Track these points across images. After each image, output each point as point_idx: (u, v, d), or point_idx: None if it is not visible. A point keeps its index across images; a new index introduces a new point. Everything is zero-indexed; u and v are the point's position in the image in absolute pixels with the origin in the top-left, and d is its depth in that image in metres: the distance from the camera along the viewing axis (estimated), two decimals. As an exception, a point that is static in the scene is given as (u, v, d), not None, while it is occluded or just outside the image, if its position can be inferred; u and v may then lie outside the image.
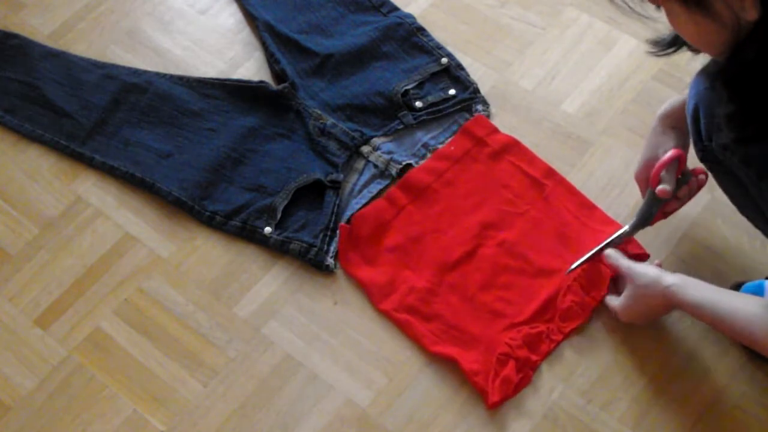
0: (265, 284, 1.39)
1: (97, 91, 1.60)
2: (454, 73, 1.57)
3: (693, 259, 1.35)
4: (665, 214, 1.30)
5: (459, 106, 1.53)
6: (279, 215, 1.43)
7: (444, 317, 1.32)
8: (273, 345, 1.33)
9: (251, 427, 1.27)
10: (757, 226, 1.21)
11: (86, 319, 1.37)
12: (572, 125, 1.51)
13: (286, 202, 1.44)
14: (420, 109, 1.53)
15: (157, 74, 1.61)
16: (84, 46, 1.68)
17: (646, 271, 1.21)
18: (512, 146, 1.47)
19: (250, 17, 1.69)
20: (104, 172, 1.52)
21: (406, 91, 1.54)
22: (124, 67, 1.63)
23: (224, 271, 1.41)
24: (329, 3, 1.68)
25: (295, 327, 1.35)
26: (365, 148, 1.50)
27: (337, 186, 1.45)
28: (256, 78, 1.61)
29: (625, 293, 1.24)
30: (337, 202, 1.43)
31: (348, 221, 1.42)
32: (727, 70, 0.96)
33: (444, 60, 1.58)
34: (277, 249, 1.41)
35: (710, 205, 1.40)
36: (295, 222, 1.43)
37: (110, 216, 1.47)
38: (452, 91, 1.55)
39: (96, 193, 1.50)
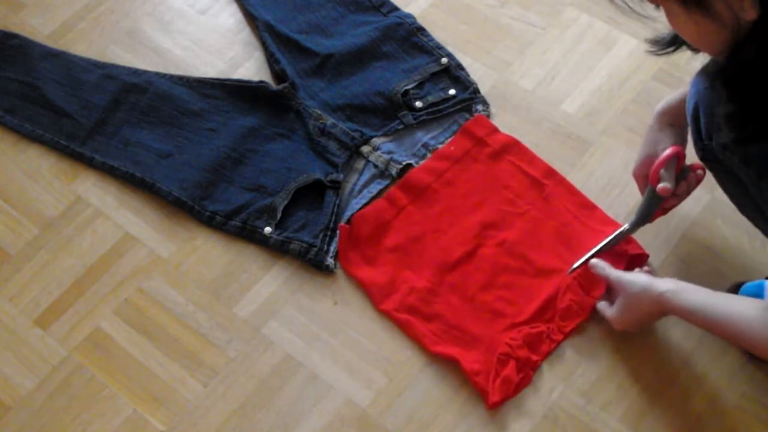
0: (265, 284, 1.39)
1: (97, 91, 1.60)
2: (454, 73, 1.57)
3: (693, 259, 1.35)
4: (665, 211, 1.30)
5: (459, 106, 1.54)
6: (279, 215, 1.43)
7: (444, 317, 1.32)
8: (273, 345, 1.33)
9: (251, 427, 1.27)
10: (757, 225, 1.21)
11: (86, 319, 1.37)
12: (572, 125, 1.51)
13: (286, 202, 1.44)
14: (420, 109, 1.53)
15: (157, 74, 1.61)
16: (84, 46, 1.68)
17: (636, 279, 1.21)
18: (512, 146, 1.47)
19: (250, 17, 1.70)
20: (104, 172, 1.52)
21: (406, 91, 1.54)
22: (124, 67, 1.63)
23: (224, 271, 1.41)
24: (329, 3, 1.69)
25: (295, 327, 1.35)
26: (365, 148, 1.50)
27: (337, 186, 1.45)
28: (256, 78, 1.61)
29: (618, 303, 1.24)
30: (337, 202, 1.43)
31: (348, 221, 1.42)
32: (727, 69, 0.96)
33: (444, 60, 1.58)
34: (277, 249, 1.41)
35: (710, 205, 1.40)
36: (295, 222, 1.43)
37: (110, 216, 1.47)
38: (452, 91, 1.55)
39: (96, 193, 1.50)
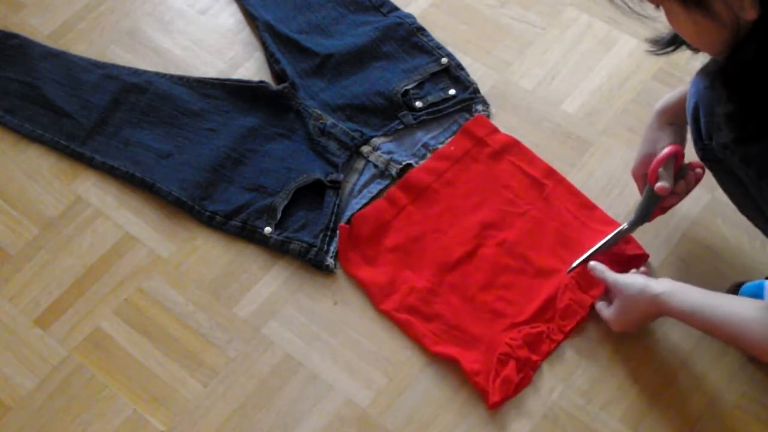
0: (265, 284, 1.39)
1: (97, 91, 1.60)
2: (454, 73, 1.57)
3: (693, 259, 1.35)
4: (663, 210, 1.30)
5: (459, 106, 1.54)
6: (279, 215, 1.43)
7: (444, 317, 1.32)
8: (273, 345, 1.33)
9: (251, 427, 1.27)
10: (757, 225, 1.21)
11: (86, 319, 1.37)
12: (572, 125, 1.51)
13: (286, 202, 1.44)
14: (420, 109, 1.53)
15: (157, 74, 1.61)
16: (84, 46, 1.68)
17: (632, 281, 1.21)
18: (512, 146, 1.47)
19: (250, 17, 1.70)
20: (104, 172, 1.52)
21: (406, 91, 1.54)
22: (124, 67, 1.63)
23: (224, 271, 1.41)
24: (329, 3, 1.69)
25: (295, 327, 1.35)
26: (365, 148, 1.50)
27: (337, 186, 1.45)
28: (256, 78, 1.61)
29: (615, 304, 1.24)
30: (337, 202, 1.43)
31: (348, 221, 1.42)
32: (727, 69, 0.96)
33: (444, 60, 1.58)
34: (277, 249, 1.41)
35: (710, 205, 1.40)
36: (295, 222, 1.43)
37: (110, 216, 1.47)
38: (452, 91, 1.55)
39: (96, 193, 1.50)
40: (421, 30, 1.62)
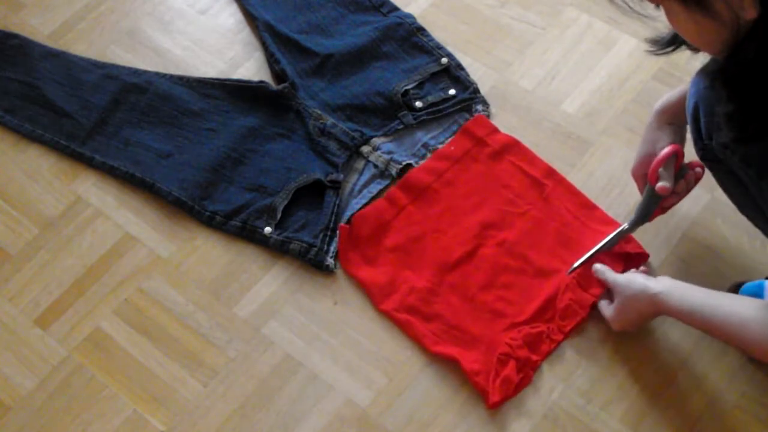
0: (265, 284, 1.39)
1: (97, 91, 1.60)
2: (454, 73, 1.57)
3: (693, 259, 1.35)
4: (664, 209, 1.30)
5: (459, 106, 1.54)
6: (279, 215, 1.43)
7: (444, 317, 1.32)
8: (273, 345, 1.33)
9: (251, 427, 1.27)
10: (757, 225, 1.21)
11: (86, 319, 1.37)
12: (572, 125, 1.51)
13: (286, 202, 1.44)
14: (420, 109, 1.53)
15: (157, 74, 1.61)
16: (84, 46, 1.68)
17: (632, 281, 1.21)
18: (512, 146, 1.47)
19: (250, 17, 1.70)
20: (104, 172, 1.52)
21: (406, 91, 1.54)
22: (124, 67, 1.63)
23: (224, 271, 1.41)
24: (329, 3, 1.69)
25: (295, 327, 1.35)
26: (365, 148, 1.50)
27: (337, 186, 1.45)
28: (256, 78, 1.61)
29: (615, 304, 1.25)
30: (337, 202, 1.43)
31: (348, 221, 1.42)
32: (727, 69, 0.96)
33: (444, 60, 1.58)
34: (277, 249, 1.41)
35: (710, 205, 1.40)
36: (295, 222, 1.43)
37: (110, 216, 1.47)
38: (452, 91, 1.55)
39: (96, 193, 1.50)
40: (421, 30, 1.62)
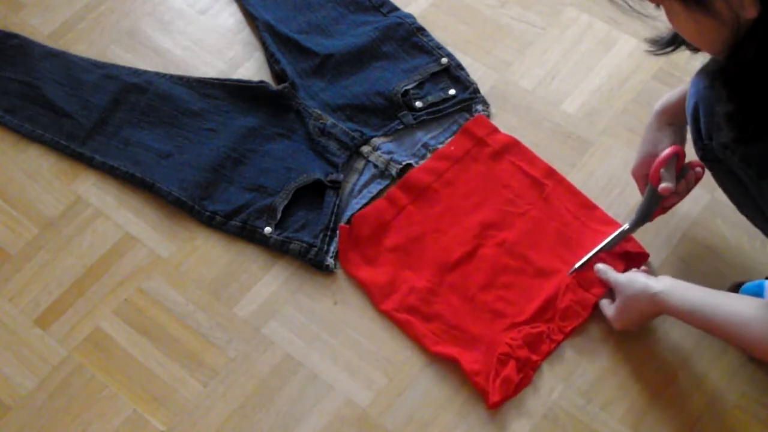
0: (265, 284, 1.39)
1: (97, 91, 1.60)
2: (454, 73, 1.57)
3: (693, 259, 1.35)
4: (665, 209, 1.30)
5: (459, 106, 1.54)
6: (279, 215, 1.43)
7: (444, 317, 1.32)
8: (273, 345, 1.33)
9: (251, 427, 1.27)
10: (756, 225, 1.21)
11: (86, 319, 1.37)
12: (572, 125, 1.51)
13: (286, 202, 1.44)
14: (420, 109, 1.53)
15: (157, 74, 1.61)
16: (84, 46, 1.68)
17: (633, 280, 1.21)
18: (512, 146, 1.47)
19: (250, 17, 1.70)
20: (104, 172, 1.52)
21: (406, 91, 1.54)
22: (124, 67, 1.63)
23: (224, 271, 1.41)
24: (329, 3, 1.69)
25: (295, 327, 1.35)
26: (365, 148, 1.50)
27: (337, 186, 1.45)
28: (256, 78, 1.61)
29: (616, 303, 1.25)
30: (337, 202, 1.43)
31: (348, 221, 1.42)
32: (727, 68, 0.96)
33: (444, 60, 1.58)
34: (277, 249, 1.41)
35: (710, 205, 1.40)
36: (295, 222, 1.43)
37: (110, 216, 1.47)
38: (452, 91, 1.55)
39: (96, 193, 1.50)
40: (421, 30, 1.62)
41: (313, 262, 1.39)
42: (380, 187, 1.47)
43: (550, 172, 1.44)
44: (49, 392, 1.32)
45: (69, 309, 1.39)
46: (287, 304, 1.37)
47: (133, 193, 1.50)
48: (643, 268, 1.30)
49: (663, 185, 1.22)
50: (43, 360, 1.34)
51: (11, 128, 1.58)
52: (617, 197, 1.42)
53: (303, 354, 1.32)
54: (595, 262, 1.32)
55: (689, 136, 1.20)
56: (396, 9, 1.66)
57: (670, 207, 1.30)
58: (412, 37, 1.61)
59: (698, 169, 1.26)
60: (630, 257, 1.33)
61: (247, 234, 1.43)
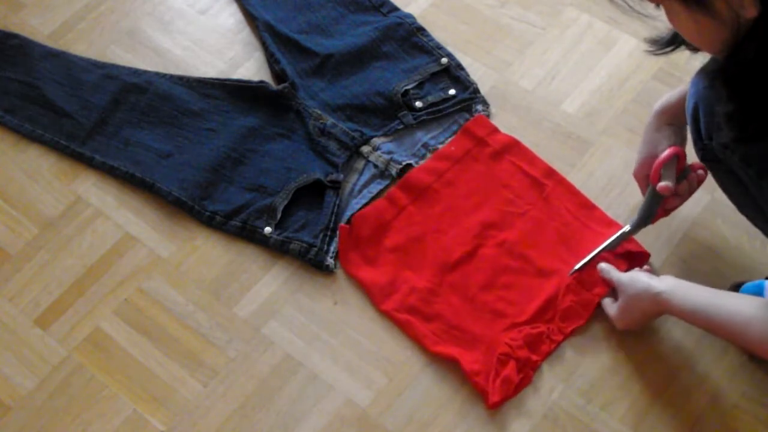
0: (265, 284, 1.39)
1: (97, 91, 1.60)
2: (454, 73, 1.57)
3: (693, 259, 1.35)
4: (666, 212, 1.30)
5: (459, 106, 1.54)
6: (279, 215, 1.43)
7: (445, 317, 1.32)
8: (273, 345, 1.33)
9: (251, 427, 1.27)
10: (756, 225, 1.20)
11: (86, 319, 1.37)
12: (572, 125, 1.51)
13: (286, 202, 1.44)
14: (420, 109, 1.53)
15: (157, 74, 1.61)
16: (84, 46, 1.68)
17: (635, 280, 1.21)
18: (513, 146, 1.47)
19: (250, 17, 1.70)
20: (104, 172, 1.52)
21: (406, 91, 1.54)
22: (124, 67, 1.63)
23: (224, 271, 1.41)
24: (329, 3, 1.69)
25: (295, 327, 1.35)
26: (365, 148, 1.50)
27: (337, 186, 1.45)
28: (256, 78, 1.61)
29: (619, 303, 1.25)
30: (337, 202, 1.43)
31: (348, 221, 1.42)
32: (727, 68, 0.96)
33: (444, 60, 1.58)
34: (277, 249, 1.41)
35: (710, 205, 1.40)
36: (295, 222, 1.43)
37: (110, 216, 1.47)
38: (452, 91, 1.55)
39: (96, 193, 1.50)
40: (421, 30, 1.62)
41: (313, 262, 1.39)
42: (380, 187, 1.47)
43: (550, 173, 1.44)
44: (49, 392, 1.32)
45: (69, 309, 1.38)
46: (287, 304, 1.37)
47: (133, 193, 1.50)
48: (645, 267, 1.30)
49: (662, 184, 1.22)
50: (43, 360, 1.34)
51: (11, 128, 1.58)
52: (617, 197, 1.42)
53: (303, 354, 1.32)
54: (595, 264, 1.32)
55: (689, 136, 1.20)
56: (396, 9, 1.66)
57: (672, 209, 1.30)
58: (412, 37, 1.61)
59: (701, 171, 1.26)
60: (631, 257, 1.33)
61: (247, 234, 1.43)
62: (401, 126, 1.52)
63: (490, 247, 1.38)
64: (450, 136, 1.51)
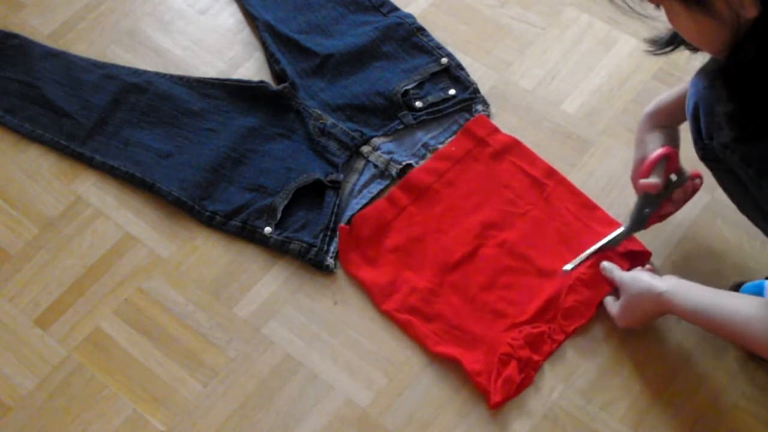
0: (265, 284, 1.39)
1: (97, 91, 1.60)
2: (454, 73, 1.57)
3: (693, 259, 1.35)
4: (660, 218, 1.30)
5: (459, 106, 1.54)
6: (279, 215, 1.43)
7: (446, 317, 1.32)
8: (273, 345, 1.33)
9: (251, 427, 1.27)
10: (757, 225, 1.21)
11: (86, 319, 1.37)
12: (572, 125, 1.51)
13: (286, 202, 1.44)
14: (420, 109, 1.53)
15: (157, 74, 1.61)
16: (84, 46, 1.68)
17: (637, 279, 1.21)
18: (513, 146, 1.47)
19: (250, 17, 1.70)
20: (104, 172, 1.52)
21: (406, 91, 1.54)
22: (124, 67, 1.63)
23: (224, 271, 1.41)
24: (329, 3, 1.69)
25: (295, 327, 1.35)
26: (365, 148, 1.50)
27: (337, 186, 1.45)
28: (256, 78, 1.61)
29: (621, 302, 1.25)
30: (337, 202, 1.43)
31: (348, 221, 1.42)
32: (727, 68, 0.96)
33: (444, 60, 1.58)
34: (277, 249, 1.41)
35: (710, 205, 1.40)
36: (295, 222, 1.43)
37: (110, 216, 1.47)
38: (452, 91, 1.55)
39: (96, 193, 1.50)
40: (421, 30, 1.62)
41: (313, 262, 1.39)
42: (380, 187, 1.47)
43: (551, 172, 1.44)
44: (49, 392, 1.32)
45: (69, 309, 1.38)
46: (287, 304, 1.37)
47: (133, 193, 1.50)
48: (647, 266, 1.30)
49: (644, 181, 1.22)
50: (43, 360, 1.34)
51: (11, 128, 1.58)
52: (617, 197, 1.42)
53: (303, 354, 1.32)
54: (591, 264, 1.32)
55: (689, 136, 1.20)
56: (396, 9, 1.66)
57: (666, 216, 1.30)
58: (412, 37, 1.61)
59: (697, 180, 1.27)
60: (633, 256, 1.33)
61: (247, 234, 1.43)
62: (401, 126, 1.52)
63: (491, 247, 1.38)
64: (450, 136, 1.51)
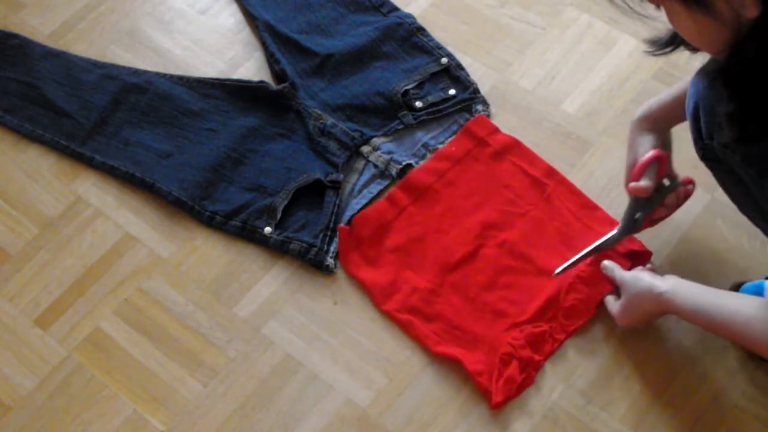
0: (265, 284, 1.39)
1: (97, 91, 1.60)
2: (454, 73, 1.57)
3: (693, 259, 1.35)
4: (652, 222, 1.30)
5: (459, 106, 1.53)
6: (279, 215, 1.43)
7: (446, 317, 1.32)
8: (273, 345, 1.33)
9: (251, 427, 1.27)
10: (757, 224, 1.21)
11: (86, 319, 1.37)
12: (572, 125, 1.51)
13: (286, 202, 1.44)
14: (420, 109, 1.53)
15: (157, 74, 1.61)
16: (84, 46, 1.68)
17: (638, 279, 1.21)
18: (513, 146, 1.47)
19: (250, 17, 1.70)
20: (104, 172, 1.52)
21: (406, 91, 1.54)
22: (124, 67, 1.63)
23: (224, 271, 1.41)
24: (329, 3, 1.68)
25: (295, 327, 1.35)
26: (365, 148, 1.50)
27: (337, 186, 1.45)
28: (256, 78, 1.61)
29: (621, 301, 1.25)
30: (337, 202, 1.43)
31: (348, 221, 1.42)
32: (727, 68, 0.96)
33: (444, 60, 1.58)
34: (277, 249, 1.41)
35: (710, 205, 1.40)
36: (295, 222, 1.43)
37: (110, 216, 1.47)
38: (452, 91, 1.55)
39: (96, 193, 1.50)
40: (421, 30, 1.62)
41: (313, 262, 1.39)
42: (380, 187, 1.47)
43: (551, 172, 1.44)
44: (49, 392, 1.32)
45: (69, 309, 1.38)
46: (287, 304, 1.37)
47: (133, 193, 1.50)
48: (648, 266, 1.29)
49: (634, 184, 1.22)
50: (43, 360, 1.34)
51: (11, 128, 1.58)
52: (617, 197, 1.42)
53: (303, 354, 1.32)
54: (591, 262, 1.32)
55: (689, 137, 1.20)
56: (396, 9, 1.66)
57: (658, 221, 1.30)
58: (412, 37, 1.61)
59: (689, 186, 1.27)
60: (634, 255, 1.33)
61: (247, 234, 1.43)
62: (401, 126, 1.52)
63: (491, 247, 1.38)
64: (450, 136, 1.51)
